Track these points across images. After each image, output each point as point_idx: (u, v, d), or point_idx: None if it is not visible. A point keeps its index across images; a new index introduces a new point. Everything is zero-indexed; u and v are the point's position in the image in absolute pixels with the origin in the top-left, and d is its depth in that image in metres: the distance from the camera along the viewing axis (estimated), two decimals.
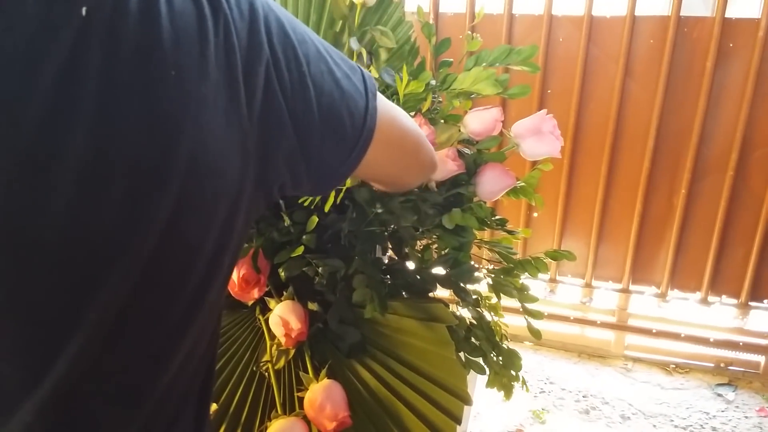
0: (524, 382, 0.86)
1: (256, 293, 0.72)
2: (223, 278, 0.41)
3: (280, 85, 0.40)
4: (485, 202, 0.77)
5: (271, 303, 0.73)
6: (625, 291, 2.21)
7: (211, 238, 0.37)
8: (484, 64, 0.76)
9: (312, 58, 0.42)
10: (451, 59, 0.80)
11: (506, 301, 0.83)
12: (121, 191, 0.32)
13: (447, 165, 0.72)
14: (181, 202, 0.34)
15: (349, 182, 0.67)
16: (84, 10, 0.30)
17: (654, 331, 2.21)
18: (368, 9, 0.79)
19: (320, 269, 0.72)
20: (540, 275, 0.81)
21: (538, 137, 0.73)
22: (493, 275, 0.81)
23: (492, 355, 0.81)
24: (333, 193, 0.66)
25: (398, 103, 0.73)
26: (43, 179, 0.30)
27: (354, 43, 0.74)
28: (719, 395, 2.07)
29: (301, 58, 0.41)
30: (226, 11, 0.36)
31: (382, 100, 0.49)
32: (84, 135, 0.30)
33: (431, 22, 0.79)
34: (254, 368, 0.74)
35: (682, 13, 1.86)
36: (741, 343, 2.13)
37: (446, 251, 0.78)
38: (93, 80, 0.30)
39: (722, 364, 2.18)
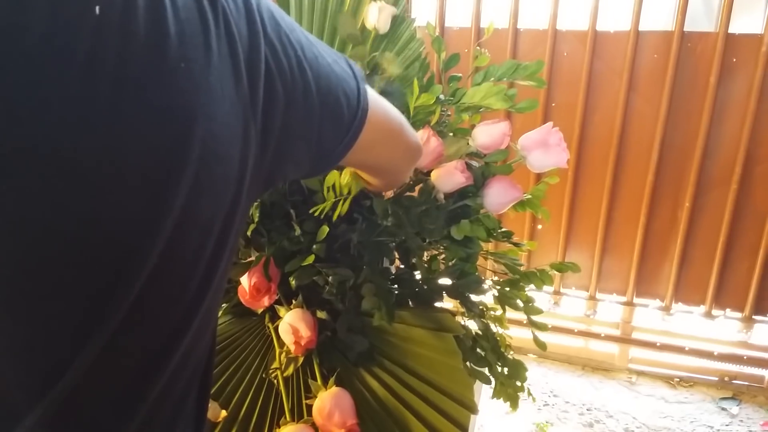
0: (530, 393, 0.87)
1: (266, 301, 0.73)
2: (227, 259, 0.42)
3: (278, 70, 0.41)
4: (492, 214, 0.78)
5: (281, 311, 0.74)
6: (629, 304, 2.21)
7: (219, 219, 0.39)
8: (492, 78, 0.77)
9: (304, 45, 0.44)
10: (461, 74, 0.82)
11: (509, 314, 0.84)
12: (139, 183, 0.33)
13: (455, 177, 0.73)
14: (195, 188, 0.35)
15: (353, 189, 0.68)
16: (97, 9, 0.30)
17: (658, 344, 2.20)
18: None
19: (330, 278, 0.73)
20: (544, 287, 0.82)
21: (545, 149, 0.75)
22: (498, 287, 0.82)
23: (497, 365, 0.82)
24: (341, 204, 0.67)
25: (409, 117, 0.75)
26: (64, 179, 0.30)
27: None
28: (723, 409, 2.06)
29: (295, 44, 0.43)
30: (222, 3, 0.38)
31: (367, 86, 0.51)
32: (102, 132, 0.31)
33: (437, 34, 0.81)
34: (263, 375, 0.75)
35: (685, 29, 1.88)
36: (745, 357, 2.12)
37: (453, 262, 0.79)
38: (108, 78, 0.31)
39: (726, 378, 2.17)
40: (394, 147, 0.60)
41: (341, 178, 0.67)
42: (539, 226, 2.24)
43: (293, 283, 0.73)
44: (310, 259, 0.71)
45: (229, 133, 0.38)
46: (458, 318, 0.79)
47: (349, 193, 0.67)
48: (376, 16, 0.77)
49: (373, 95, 0.52)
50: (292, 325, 0.71)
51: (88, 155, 0.31)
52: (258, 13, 0.41)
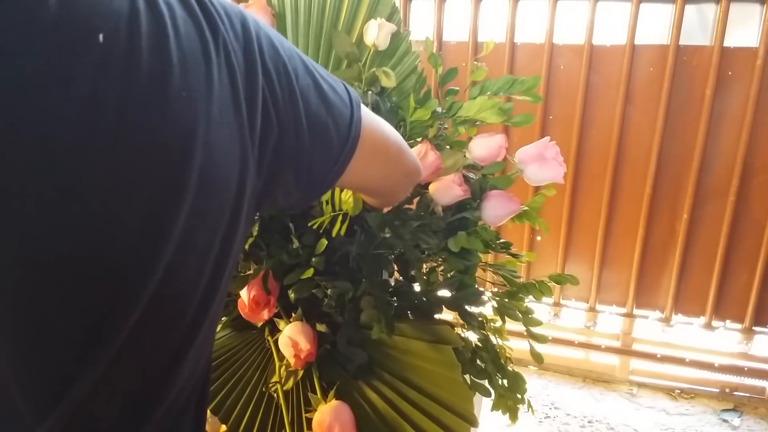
0: (530, 406, 0.87)
1: (266, 314, 0.73)
2: (225, 282, 0.43)
3: (272, 99, 0.42)
4: (490, 226, 0.79)
5: (281, 324, 0.75)
6: (629, 315, 2.21)
7: (217, 244, 0.39)
8: (488, 93, 0.78)
9: (300, 73, 0.45)
10: (457, 88, 0.82)
11: (510, 325, 0.84)
12: (140, 210, 0.33)
13: (453, 190, 0.74)
14: (193, 214, 0.36)
15: (352, 210, 0.68)
16: (101, 37, 0.30)
17: (659, 356, 2.20)
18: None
19: (329, 291, 0.74)
20: (544, 299, 0.82)
21: (542, 163, 0.75)
22: (497, 298, 0.82)
23: (497, 377, 0.82)
24: (339, 220, 0.68)
25: (405, 132, 0.76)
26: (66, 204, 0.30)
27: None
28: (725, 421, 2.05)
29: (290, 73, 0.44)
30: (223, 33, 0.38)
31: (365, 110, 0.51)
32: (104, 158, 0.31)
33: (435, 49, 0.81)
34: (263, 389, 0.75)
35: (681, 42, 1.90)
36: (746, 369, 2.12)
37: (452, 274, 0.79)
38: (111, 105, 0.31)
39: (727, 390, 2.16)
40: (390, 170, 0.60)
41: (342, 195, 0.67)
42: (538, 238, 2.25)
43: (292, 296, 0.73)
44: (309, 272, 0.71)
45: (227, 160, 0.38)
46: (458, 330, 0.79)
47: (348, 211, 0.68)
48: (376, 33, 0.78)
49: (369, 118, 0.52)
50: (292, 338, 0.71)
51: (90, 181, 0.31)
52: (257, 42, 0.41)
